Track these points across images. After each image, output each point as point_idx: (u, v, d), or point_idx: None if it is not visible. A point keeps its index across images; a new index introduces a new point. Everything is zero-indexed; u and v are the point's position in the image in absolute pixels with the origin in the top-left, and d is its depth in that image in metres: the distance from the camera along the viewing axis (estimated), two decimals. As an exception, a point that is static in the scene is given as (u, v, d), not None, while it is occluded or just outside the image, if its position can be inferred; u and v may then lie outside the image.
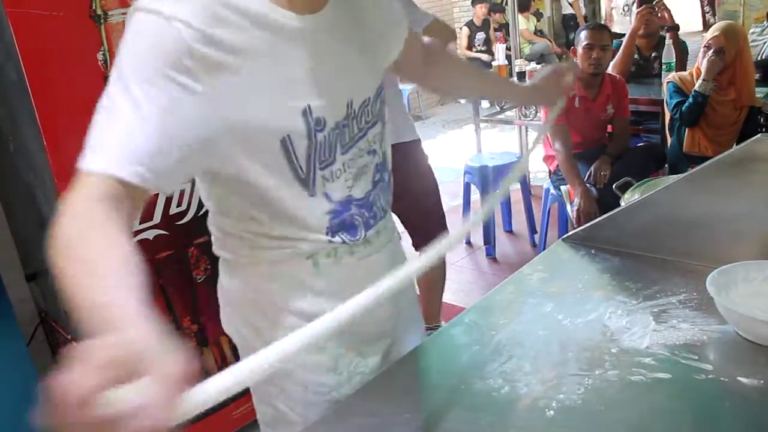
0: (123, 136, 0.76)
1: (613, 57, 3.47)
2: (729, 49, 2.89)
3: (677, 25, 3.69)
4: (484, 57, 7.04)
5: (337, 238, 0.97)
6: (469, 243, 3.87)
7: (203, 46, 0.77)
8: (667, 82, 3.12)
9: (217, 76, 0.79)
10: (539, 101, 1.18)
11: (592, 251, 1.32)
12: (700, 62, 2.95)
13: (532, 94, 1.42)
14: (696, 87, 2.93)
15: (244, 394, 2.34)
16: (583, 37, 3.14)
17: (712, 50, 2.89)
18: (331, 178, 0.94)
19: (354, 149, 0.96)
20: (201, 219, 1.98)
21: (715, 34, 2.93)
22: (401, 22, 1.08)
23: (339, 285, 0.99)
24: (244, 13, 0.80)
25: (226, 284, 1.07)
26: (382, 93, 1.01)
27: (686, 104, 2.97)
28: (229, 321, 1.10)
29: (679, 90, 3.05)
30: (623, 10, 6.69)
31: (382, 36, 1.02)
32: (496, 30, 7.21)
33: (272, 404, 1.08)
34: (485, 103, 6.23)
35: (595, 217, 1.43)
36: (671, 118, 3.14)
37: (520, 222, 3.87)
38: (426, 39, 1.24)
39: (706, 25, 5.11)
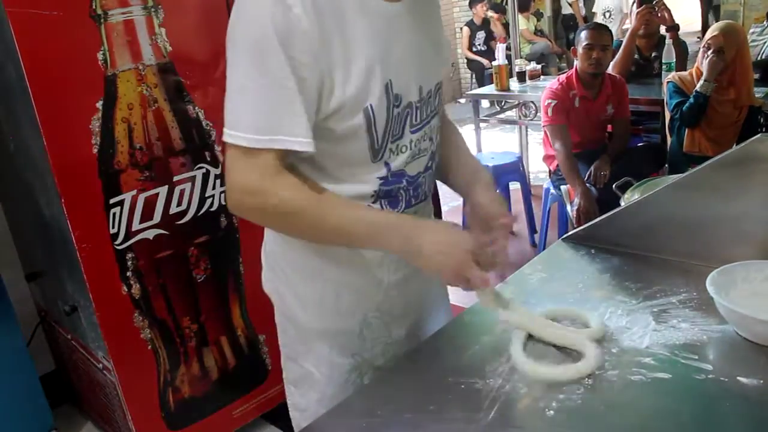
0: (278, 110, 0.89)
1: (613, 57, 3.47)
2: (729, 48, 2.89)
3: (677, 24, 3.69)
4: (485, 61, 7.03)
5: (378, 206, 1.04)
6: (469, 243, 3.86)
7: (315, 24, 0.88)
8: (667, 82, 3.12)
9: (324, 51, 0.89)
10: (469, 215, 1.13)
11: (592, 251, 1.32)
12: (699, 62, 2.95)
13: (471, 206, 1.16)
14: (697, 87, 2.92)
15: (244, 394, 2.34)
16: (583, 37, 3.14)
17: (712, 50, 2.88)
18: (396, 151, 1.02)
19: (421, 131, 1.05)
20: (201, 219, 1.98)
21: (715, 33, 2.92)
22: (447, 42, 1.23)
23: (373, 256, 1.08)
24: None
25: (269, 244, 1.17)
26: (440, 90, 1.10)
27: (687, 104, 2.97)
28: (269, 279, 1.19)
29: (679, 90, 3.05)
30: (603, 16, 6.68)
31: (440, 41, 1.12)
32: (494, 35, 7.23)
33: (299, 363, 1.18)
34: (485, 103, 6.23)
35: (595, 217, 1.43)
36: (671, 118, 3.13)
37: (520, 222, 3.87)
38: None
39: (706, 25, 5.11)
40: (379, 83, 0.95)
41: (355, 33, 0.92)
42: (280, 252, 1.14)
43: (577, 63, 3.20)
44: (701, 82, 2.91)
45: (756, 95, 3.06)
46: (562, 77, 3.28)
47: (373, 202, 1.03)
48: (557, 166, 3.16)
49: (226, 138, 0.92)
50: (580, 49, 3.14)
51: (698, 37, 3.18)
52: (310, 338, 1.14)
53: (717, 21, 4.24)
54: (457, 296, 1.28)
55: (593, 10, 6.90)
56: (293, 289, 1.14)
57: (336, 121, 0.95)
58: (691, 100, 2.95)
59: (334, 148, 0.99)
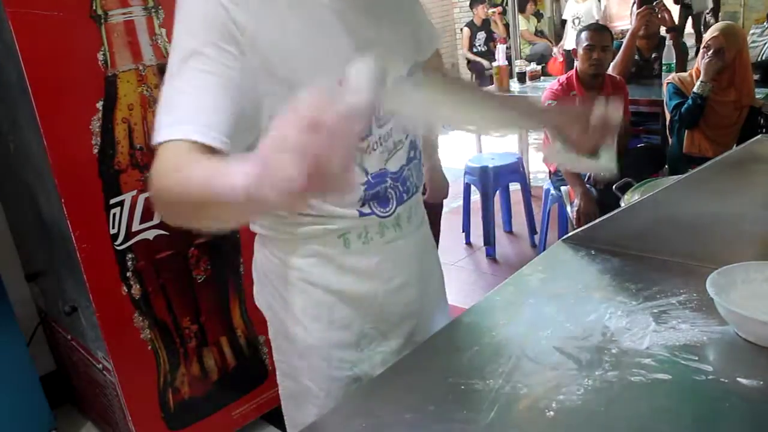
0: (195, 106, 0.83)
1: (614, 58, 3.47)
2: (729, 49, 2.89)
3: (677, 25, 3.69)
4: (485, 62, 7.03)
5: (368, 209, 1.01)
6: (469, 243, 3.87)
7: (243, 18, 0.84)
8: (667, 83, 3.12)
9: (256, 44, 0.85)
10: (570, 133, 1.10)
11: (592, 252, 1.32)
12: (699, 63, 2.95)
13: (561, 119, 1.18)
14: (695, 89, 2.93)
15: (244, 395, 2.34)
16: (583, 38, 3.14)
17: (711, 50, 2.89)
18: (367, 150, 0.98)
19: (389, 124, 1.00)
20: (201, 219, 1.98)
21: (715, 34, 2.93)
22: (433, 30, 1.18)
23: (367, 265, 1.05)
24: None
25: (259, 260, 1.13)
26: (414, 75, 1.05)
27: (685, 106, 2.97)
28: (261, 294, 1.16)
29: (678, 91, 3.05)
30: (573, 23, 6.63)
31: (414, 28, 1.07)
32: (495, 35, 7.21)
33: (296, 378, 1.14)
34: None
35: (595, 218, 1.43)
36: (671, 120, 3.14)
37: (520, 223, 3.87)
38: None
39: (707, 26, 5.11)
40: (332, 80, 0.87)
41: (294, 29, 0.88)
42: (270, 267, 1.10)
43: (577, 64, 3.20)
44: (698, 83, 2.91)
45: (756, 96, 3.07)
46: (563, 78, 3.28)
47: (362, 206, 1.00)
48: (557, 167, 3.16)
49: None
50: (580, 50, 3.14)
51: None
52: (305, 353, 1.11)
53: (716, 22, 4.24)
54: (456, 297, 1.28)
55: (563, 17, 6.74)
56: (286, 304, 1.10)
57: None
58: (689, 101, 2.95)
59: None
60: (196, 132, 0.81)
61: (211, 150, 0.81)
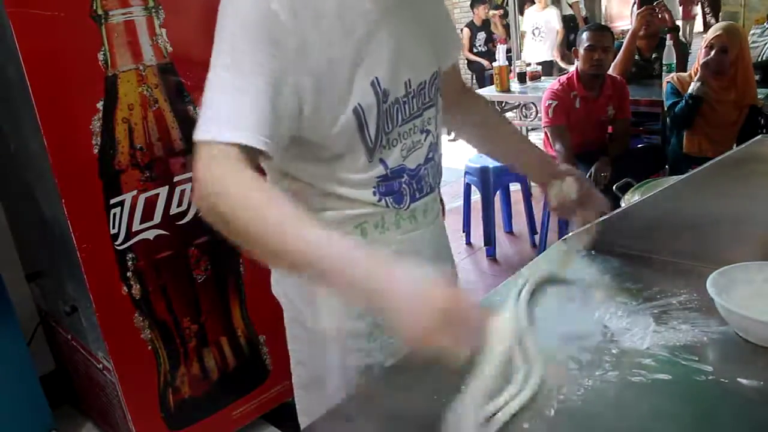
0: (245, 107, 0.85)
1: (614, 58, 3.47)
2: (732, 47, 2.89)
3: (678, 26, 3.70)
4: (485, 62, 7.03)
5: (383, 201, 1.03)
6: (469, 243, 3.87)
7: (293, 23, 0.86)
8: (666, 83, 3.12)
9: (303, 49, 0.88)
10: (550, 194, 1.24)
11: (592, 252, 1.32)
12: (700, 62, 2.95)
13: (547, 179, 1.26)
14: (690, 89, 2.93)
15: (244, 395, 2.34)
16: (584, 38, 3.14)
17: (716, 49, 2.88)
18: (388, 146, 1.01)
19: (410, 124, 1.04)
20: (201, 219, 1.97)
21: (718, 32, 2.92)
22: (456, 41, 1.24)
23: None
24: None
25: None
26: (437, 80, 1.09)
27: (678, 106, 2.97)
28: (279, 283, 1.18)
29: (676, 92, 3.05)
30: (533, 34, 6.54)
31: (438, 34, 1.10)
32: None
33: (310, 366, 1.17)
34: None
35: (595, 218, 1.43)
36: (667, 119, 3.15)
37: (520, 223, 3.87)
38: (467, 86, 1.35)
39: (707, 26, 5.11)
40: (366, 81, 0.94)
41: (334, 32, 0.91)
42: None
43: (578, 64, 3.20)
44: (693, 84, 2.91)
45: (757, 97, 3.07)
46: (563, 78, 3.28)
47: (378, 201, 1.03)
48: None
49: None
50: (581, 51, 3.15)
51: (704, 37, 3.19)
52: (320, 341, 1.13)
53: (717, 22, 4.24)
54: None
55: (522, 29, 6.48)
56: (302, 292, 1.12)
57: (326, 125, 0.94)
58: (682, 102, 2.95)
59: (329, 157, 0.98)
60: (248, 137, 0.84)
61: (256, 151, 0.86)
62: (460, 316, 0.74)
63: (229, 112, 0.86)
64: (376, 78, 0.95)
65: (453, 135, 1.37)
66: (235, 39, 0.87)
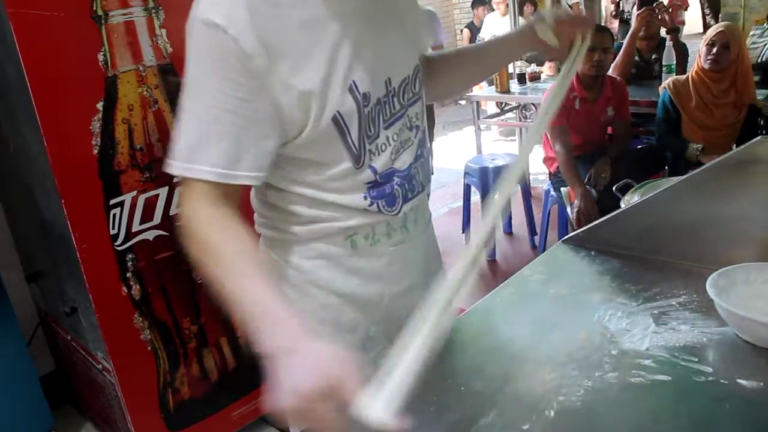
0: (212, 140, 0.86)
1: (614, 59, 3.47)
2: (733, 45, 2.90)
3: (677, 27, 3.70)
4: None
5: (375, 208, 1.01)
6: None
7: (257, 48, 0.84)
8: (662, 89, 3.13)
9: (271, 69, 0.86)
10: (541, 45, 1.10)
11: (592, 253, 1.32)
12: (702, 61, 2.94)
13: (533, 37, 1.12)
14: (686, 154, 2.99)
15: (244, 395, 2.33)
16: (584, 38, 3.14)
17: (718, 45, 2.89)
18: (376, 152, 0.99)
19: (396, 124, 1.01)
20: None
21: (720, 30, 2.93)
22: (424, 25, 1.19)
23: (374, 267, 1.05)
24: (278, 4, 0.87)
25: (264, 261, 1.11)
26: (419, 73, 1.06)
27: (672, 145, 3.06)
28: None
29: (670, 102, 3.05)
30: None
31: (411, 25, 1.07)
32: None
33: None
34: (492, 106, 6.22)
35: (595, 219, 1.43)
36: (657, 132, 3.17)
37: (520, 224, 3.87)
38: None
39: (707, 27, 5.12)
40: (342, 87, 0.91)
41: (303, 43, 0.88)
42: (275, 269, 1.09)
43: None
44: (690, 149, 2.97)
45: (757, 98, 3.07)
46: (563, 79, 3.28)
47: (370, 205, 1.01)
48: (557, 168, 3.17)
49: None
50: (581, 51, 3.14)
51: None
52: None
53: (717, 22, 4.24)
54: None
55: (480, 35, 6.50)
56: (291, 305, 1.11)
57: (307, 138, 0.92)
58: (675, 150, 3.05)
59: (315, 167, 0.96)
60: (216, 174, 0.86)
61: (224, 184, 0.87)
62: (336, 397, 0.69)
63: (193, 146, 0.86)
64: (354, 82, 0.92)
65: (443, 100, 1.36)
66: (201, 72, 0.86)
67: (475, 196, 3.76)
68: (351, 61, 0.92)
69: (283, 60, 0.86)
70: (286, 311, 0.81)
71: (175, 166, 0.87)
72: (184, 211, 0.88)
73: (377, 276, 1.07)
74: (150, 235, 1.88)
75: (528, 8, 7.00)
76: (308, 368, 0.71)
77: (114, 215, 1.80)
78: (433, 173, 1.97)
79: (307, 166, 0.97)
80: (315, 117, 0.90)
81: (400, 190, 1.04)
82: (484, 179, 3.55)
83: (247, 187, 0.96)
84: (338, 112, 0.92)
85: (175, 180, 1.90)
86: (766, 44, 3.81)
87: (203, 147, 0.86)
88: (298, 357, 0.73)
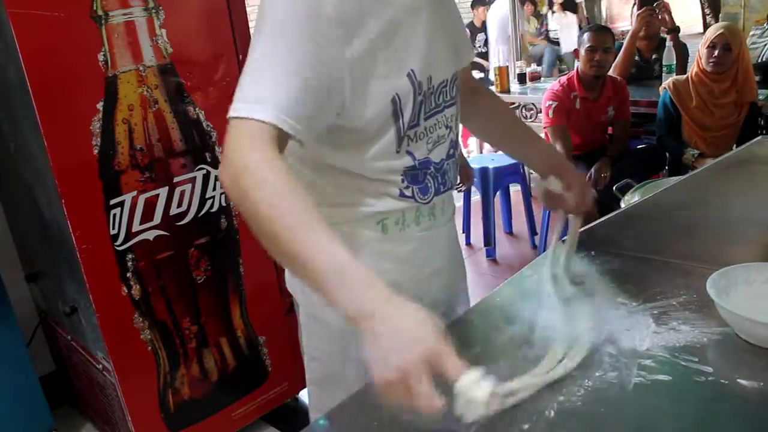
0: (284, 91, 0.85)
1: (614, 59, 3.47)
2: (734, 46, 2.90)
3: (678, 27, 3.70)
4: (485, 63, 7.03)
5: (409, 193, 1.05)
6: (469, 244, 3.87)
7: (345, 19, 0.89)
8: (662, 90, 3.12)
9: (349, 40, 0.90)
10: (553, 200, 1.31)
11: (592, 253, 1.32)
12: (704, 61, 2.94)
13: (549, 169, 1.30)
14: (683, 157, 3.01)
15: (244, 395, 2.33)
16: (585, 39, 3.14)
17: (719, 46, 2.89)
18: (415, 139, 1.03)
19: (433, 119, 1.06)
20: (201, 220, 1.98)
21: (720, 31, 2.93)
22: (469, 44, 1.27)
23: (403, 252, 1.09)
24: None
25: None
26: (457, 81, 1.12)
27: (671, 148, 3.07)
28: (294, 279, 1.18)
29: (671, 102, 3.05)
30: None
31: (456, 36, 1.13)
32: None
33: (325, 362, 1.18)
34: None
35: (595, 219, 1.43)
36: (657, 133, 3.17)
37: (520, 223, 3.88)
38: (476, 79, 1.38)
39: (707, 27, 5.11)
40: (403, 72, 0.97)
41: (380, 24, 0.93)
42: None
43: (578, 64, 3.20)
44: (688, 153, 2.98)
45: (758, 98, 3.07)
46: (563, 79, 3.28)
47: (405, 188, 1.04)
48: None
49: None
50: (582, 51, 3.15)
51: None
52: (338, 337, 1.12)
53: (717, 22, 4.24)
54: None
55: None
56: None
57: (363, 112, 0.95)
58: (675, 153, 3.06)
59: (358, 145, 0.99)
60: (283, 120, 0.84)
61: (287, 135, 0.86)
62: (435, 370, 0.69)
63: (266, 93, 0.86)
64: (412, 70, 0.98)
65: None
66: (285, 26, 0.88)
67: (476, 196, 3.76)
68: (413, 49, 0.98)
69: (359, 38, 0.91)
70: (368, 272, 0.77)
71: (241, 108, 0.85)
72: (241, 155, 0.83)
73: (405, 260, 1.10)
74: (150, 235, 1.88)
75: (528, 8, 7.01)
76: (404, 339, 0.69)
77: (114, 215, 1.80)
78: None
79: (350, 145, 1.00)
80: (374, 94, 0.94)
81: (433, 181, 1.08)
82: (485, 179, 3.55)
83: None
84: (397, 94, 0.97)
85: (175, 180, 1.90)
86: (766, 44, 3.81)
87: (276, 91, 0.85)
88: (391, 326, 0.71)
